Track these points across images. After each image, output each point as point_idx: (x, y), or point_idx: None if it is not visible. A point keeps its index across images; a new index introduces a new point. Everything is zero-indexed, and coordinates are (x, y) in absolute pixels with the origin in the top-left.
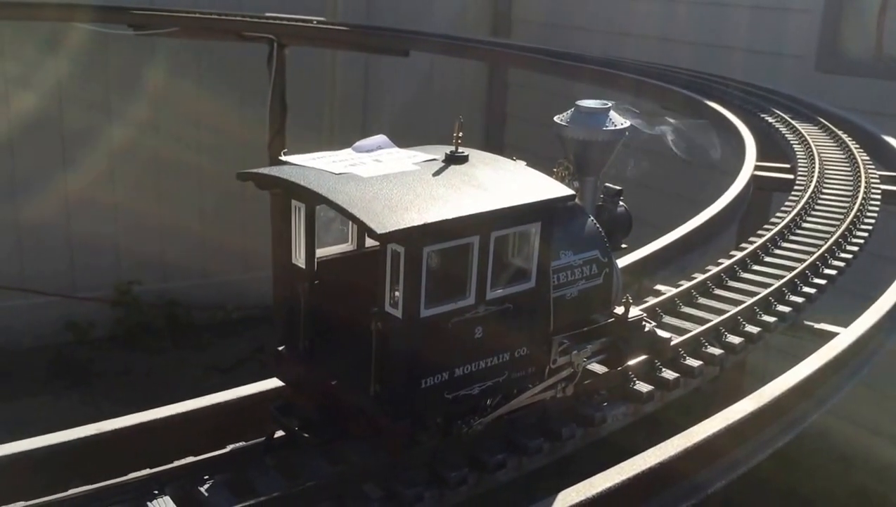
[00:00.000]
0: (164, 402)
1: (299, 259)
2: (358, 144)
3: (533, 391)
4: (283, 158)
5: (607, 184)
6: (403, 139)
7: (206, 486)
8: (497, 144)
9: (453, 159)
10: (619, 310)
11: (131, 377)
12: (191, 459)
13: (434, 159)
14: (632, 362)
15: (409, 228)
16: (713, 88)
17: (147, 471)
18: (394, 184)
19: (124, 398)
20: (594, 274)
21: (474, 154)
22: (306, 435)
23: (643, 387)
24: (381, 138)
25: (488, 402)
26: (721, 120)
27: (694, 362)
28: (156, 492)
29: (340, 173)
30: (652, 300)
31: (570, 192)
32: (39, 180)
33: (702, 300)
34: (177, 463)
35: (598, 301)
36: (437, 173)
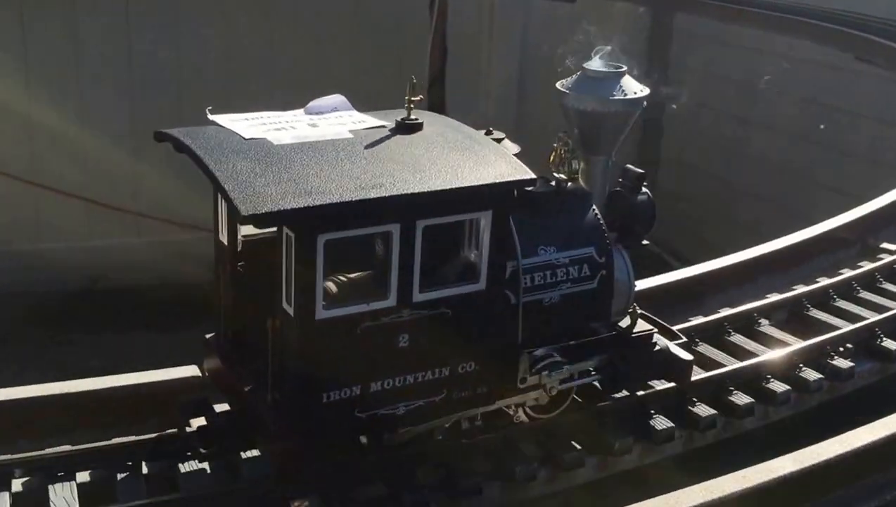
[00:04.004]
0: None
1: (223, 234)
2: (311, 104)
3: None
4: (209, 116)
5: (628, 166)
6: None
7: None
8: (657, 100)
9: (402, 128)
10: (625, 323)
11: None
12: (66, 448)
13: (381, 127)
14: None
15: (292, 211)
16: None
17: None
18: (304, 155)
19: None
20: (585, 276)
21: (433, 123)
22: (202, 445)
23: None
24: (338, 99)
25: (418, 425)
26: None
27: None
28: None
29: (251, 138)
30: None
31: (528, 175)
32: None
33: None
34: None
35: (589, 309)
36: (370, 145)
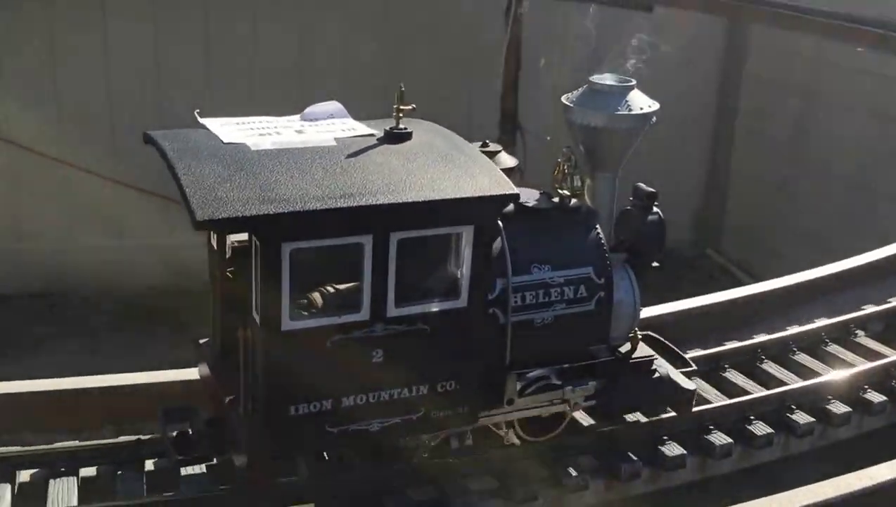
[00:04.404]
0: None
1: (213, 240)
2: (307, 109)
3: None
4: (198, 119)
5: (639, 184)
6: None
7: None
8: (729, 109)
9: (389, 137)
10: (626, 347)
11: None
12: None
13: (369, 136)
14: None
15: (250, 217)
16: None
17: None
18: (278, 161)
19: None
20: (582, 298)
21: (423, 133)
22: (177, 452)
23: None
24: (333, 106)
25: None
26: None
27: None
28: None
29: (229, 143)
30: None
31: (509, 190)
32: None
33: None
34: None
35: (585, 332)
36: (351, 154)
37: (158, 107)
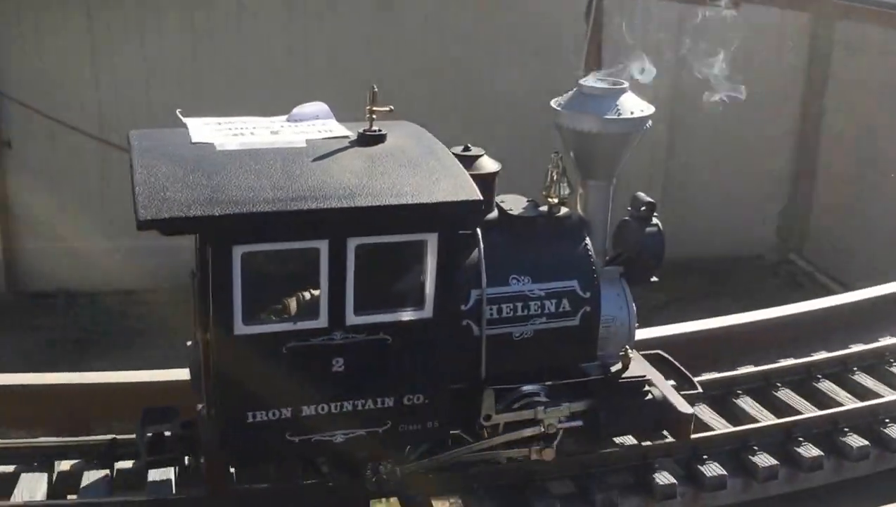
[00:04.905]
0: None
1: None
2: (294, 110)
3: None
4: (181, 118)
5: (638, 194)
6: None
7: None
8: (816, 109)
9: (363, 140)
10: (617, 367)
11: None
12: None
13: (342, 137)
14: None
15: (194, 218)
16: None
17: None
18: (239, 162)
19: None
20: (565, 312)
21: (400, 136)
22: (147, 453)
23: None
24: (319, 107)
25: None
26: None
27: None
28: None
29: (196, 143)
30: None
31: (472, 197)
32: None
33: None
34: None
35: (570, 348)
36: (318, 156)
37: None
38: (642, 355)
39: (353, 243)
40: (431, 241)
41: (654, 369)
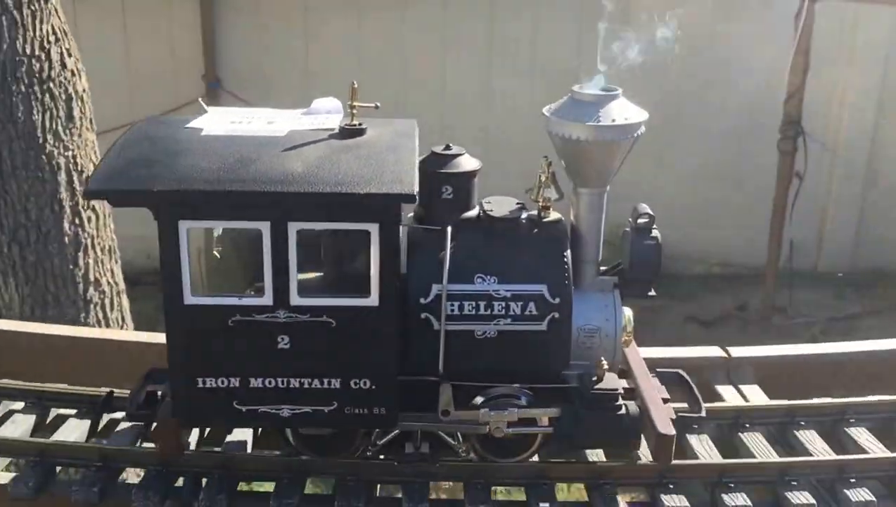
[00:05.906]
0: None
1: None
2: (313, 104)
3: None
4: (204, 107)
5: (641, 204)
6: None
7: None
8: None
9: (342, 133)
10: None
11: None
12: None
13: (324, 130)
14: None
15: (136, 191)
16: None
17: None
18: (210, 147)
19: None
20: (531, 316)
21: (380, 132)
22: (134, 408)
23: None
24: (333, 104)
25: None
26: None
27: None
28: None
29: (187, 127)
30: None
31: (405, 191)
32: None
33: None
34: None
35: (537, 353)
36: (289, 146)
37: None
38: (658, 372)
39: (294, 228)
40: (374, 231)
41: (660, 387)
